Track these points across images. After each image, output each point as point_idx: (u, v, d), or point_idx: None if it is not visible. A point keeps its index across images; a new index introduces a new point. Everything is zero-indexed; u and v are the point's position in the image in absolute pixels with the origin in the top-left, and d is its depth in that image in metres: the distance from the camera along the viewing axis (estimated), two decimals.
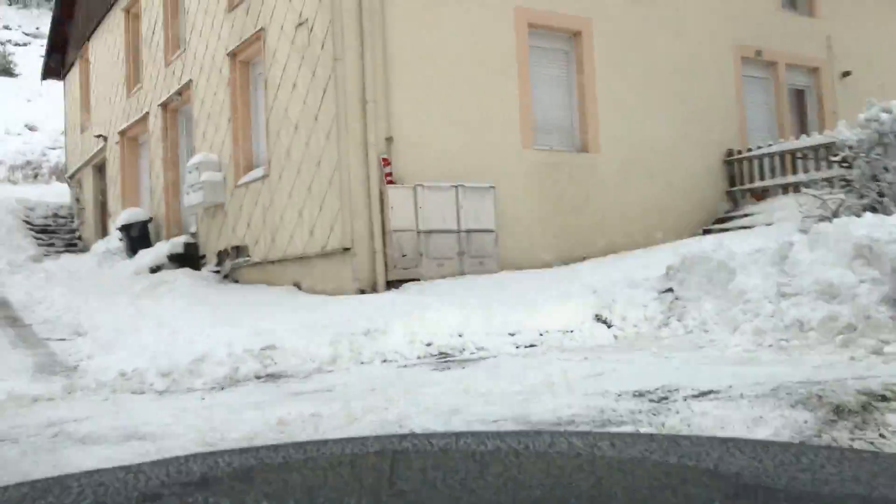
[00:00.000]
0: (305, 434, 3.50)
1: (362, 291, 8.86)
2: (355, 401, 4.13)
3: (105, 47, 17.61)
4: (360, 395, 4.36)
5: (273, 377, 5.53)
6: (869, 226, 5.58)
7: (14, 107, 31.94)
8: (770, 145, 11.66)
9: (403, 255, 9.08)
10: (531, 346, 6.13)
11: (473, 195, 9.47)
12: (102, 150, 17.77)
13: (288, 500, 0.92)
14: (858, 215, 6.41)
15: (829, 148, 9.55)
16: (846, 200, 7.89)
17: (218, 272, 11.75)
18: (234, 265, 11.46)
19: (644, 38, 11.21)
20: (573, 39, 10.84)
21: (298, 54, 9.69)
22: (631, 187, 10.86)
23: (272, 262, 10.55)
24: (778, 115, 12.94)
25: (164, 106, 14.01)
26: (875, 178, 7.73)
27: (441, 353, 6.07)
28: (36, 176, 24.69)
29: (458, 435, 1.20)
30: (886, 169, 7.64)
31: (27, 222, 19.44)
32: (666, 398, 3.71)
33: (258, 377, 5.57)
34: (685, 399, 3.64)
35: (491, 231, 9.56)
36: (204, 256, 12.56)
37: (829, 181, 9.03)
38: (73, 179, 20.85)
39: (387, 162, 9.18)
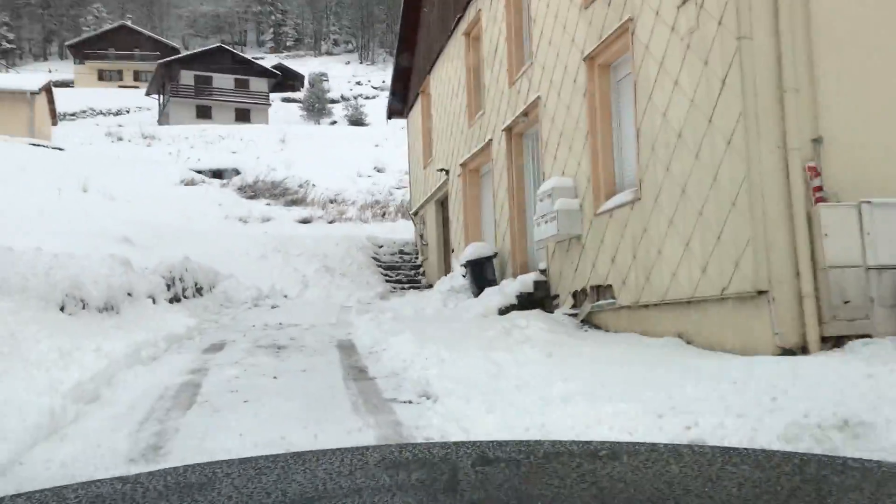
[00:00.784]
0: None
1: (785, 351, 6.40)
2: None
3: (445, 77, 17.15)
4: None
5: None
6: None
7: (364, 153, 34.72)
8: None
9: (845, 302, 6.43)
10: None
11: None
12: (444, 184, 17.28)
13: None
14: None
15: None
16: None
17: (574, 315, 9.98)
18: (594, 308, 9.59)
19: None
20: None
21: (682, 41, 7.59)
22: None
23: (645, 307, 8.47)
24: None
25: (507, 130, 12.78)
26: None
27: None
28: (384, 214, 25.65)
29: (457, 444, 1.21)
30: None
31: (375, 259, 19.83)
32: None
33: None
34: None
35: None
36: (556, 297, 10.89)
37: None
38: (416, 216, 20.94)
39: (815, 172, 6.67)
